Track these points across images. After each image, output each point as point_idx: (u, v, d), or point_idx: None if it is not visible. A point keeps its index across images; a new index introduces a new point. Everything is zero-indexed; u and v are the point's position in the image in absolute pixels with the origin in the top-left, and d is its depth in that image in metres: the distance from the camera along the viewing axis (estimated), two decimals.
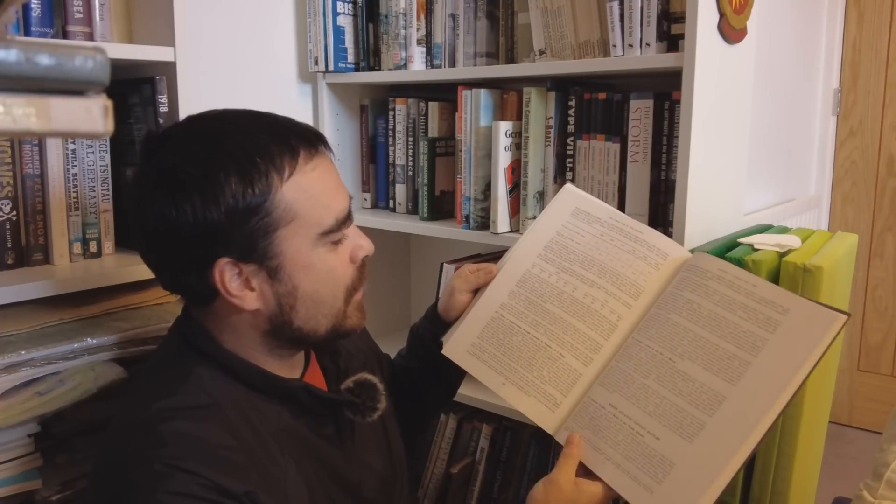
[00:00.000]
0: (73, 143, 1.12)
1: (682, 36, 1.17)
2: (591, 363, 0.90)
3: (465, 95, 1.43)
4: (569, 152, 1.36)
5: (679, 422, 0.81)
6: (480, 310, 0.98)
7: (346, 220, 0.83)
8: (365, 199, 1.75)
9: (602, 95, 1.30)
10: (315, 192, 0.79)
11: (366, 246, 0.86)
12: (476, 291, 1.01)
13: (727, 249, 1.05)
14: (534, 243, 1.00)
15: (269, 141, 0.77)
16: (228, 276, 0.77)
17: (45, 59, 0.31)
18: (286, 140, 0.78)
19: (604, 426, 0.85)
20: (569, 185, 1.05)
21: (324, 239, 0.80)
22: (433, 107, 1.58)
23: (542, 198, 1.39)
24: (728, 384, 0.81)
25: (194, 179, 0.75)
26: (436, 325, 1.03)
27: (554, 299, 0.95)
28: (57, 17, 1.10)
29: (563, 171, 1.37)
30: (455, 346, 0.97)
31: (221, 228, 0.75)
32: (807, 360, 0.78)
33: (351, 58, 1.62)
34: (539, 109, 1.36)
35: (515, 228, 1.42)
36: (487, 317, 0.97)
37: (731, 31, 1.20)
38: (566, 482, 0.81)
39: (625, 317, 0.92)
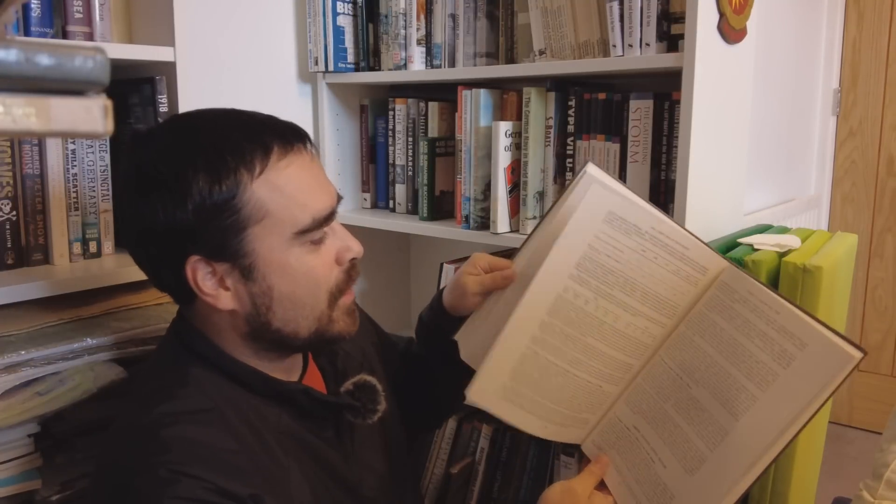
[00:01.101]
0: (73, 143, 1.12)
1: (681, 36, 1.17)
2: (623, 383, 0.89)
3: (465, 95, 1.43)
4: (569, 152, 1.36)
5: (684, 452, 0.80)
6: (508, 343, 0.86)
7: (327, 219, 0.81)
8: (365, 199, 1.75)
9: (602, 95, 1.30)
10: (289, 189, 0.77)
11: (354, 248, 0.83)
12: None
13: (727, 249, 1.05)
14: (564, 258, 0.85)
15: (241, 138, 0.77)
16: (201, 275, 0.77)
17: (45, 59, 0.30)
18: (259, 137, 0.77)
19: (626, 447, 0.85)
20: (594, 174, 0.87)
21: (301, 238, 0.78)
22: (433, 107, 1.58)
23: (541, 198, 1.39)
24: (732, 418, 0.77)
25: (164, 177, 0.75)
26: (441, 318, 1.00)
27: (594, 331, 0.86)
28: (57, 17, 1.10)
29: (563, 171, 1.37)
30: (484, 390, 0.87)
31: (190, 226, 0.75)
32: (813, 402, 0.74)
33: (351, 58, 1.62)
34: (539, 109, 1.36)
35: (515, 228, 1.42)
36: (518, 353, 0.86)
37: (730, 31, 1.20)
38: (583, 493, 0.83)
39: (660, 336, 0.88)
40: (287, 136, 0.79)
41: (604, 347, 0.87)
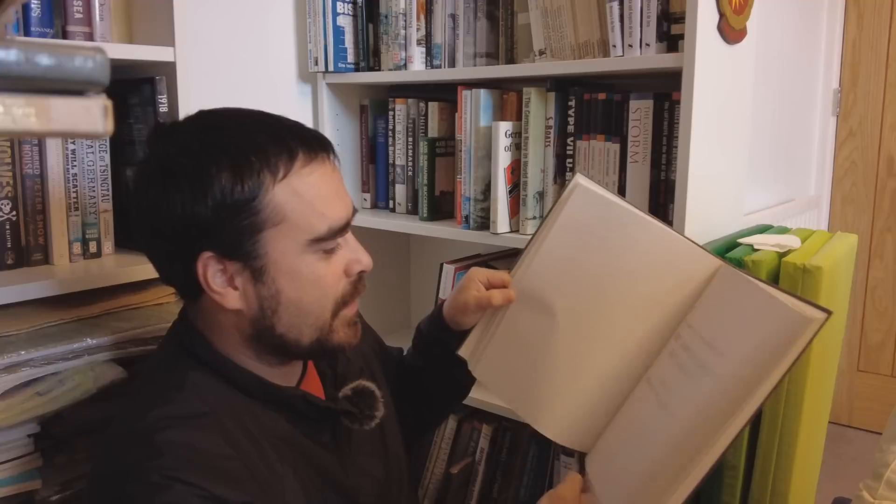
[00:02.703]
0: (73, 143, 1.12)
1: (681, 36, 1.17)
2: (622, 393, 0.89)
3: (465, 95, 1.43)
4: (569, 152, 1.36)
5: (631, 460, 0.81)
6: (504, 337, 0.95)
7: (342, 230, 0.81)
8: (365, 200, 1.75)
9: (602, 96, 1.30)
10: (309, 196, 0.78)
11: (364, 261, 0.84)
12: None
13: (727, 250, 1.05)
14: (546, 264, 0.93)
15: (267, 140, 0.77)
16: (211, 272, 0.77)
17: (45, 59, 0.30)
18: (286, 141, 0.77)
19: (604, 474, 0.86)
20: (581, 184, 0.91)
21: (314, 246, 0.79)
22: (433, 107, 1.58)
23: (541, 198, 1.39)
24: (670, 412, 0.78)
25: (186, 171, 0.75)
26: (441, 331, 1.02)
27: (580, 345, 0.90)
28: (57, 17, 1.10)
29: (563, 171, 1.37)
30: (485, 372, 0.96)
31: (207, 222, 0.75)
32: (778, 368, 0.72)
33: (351, 58, 1.62)
34: (539, 110, 1.36)
35: (515, 229, 1.42)
36: (511, 343, 0.94)
37: (730, 32, 1.20)
38: (572, 497, 0.83)
39: (640, 351, 0.89)
40: (312, 144, 0.80)
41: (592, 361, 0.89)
